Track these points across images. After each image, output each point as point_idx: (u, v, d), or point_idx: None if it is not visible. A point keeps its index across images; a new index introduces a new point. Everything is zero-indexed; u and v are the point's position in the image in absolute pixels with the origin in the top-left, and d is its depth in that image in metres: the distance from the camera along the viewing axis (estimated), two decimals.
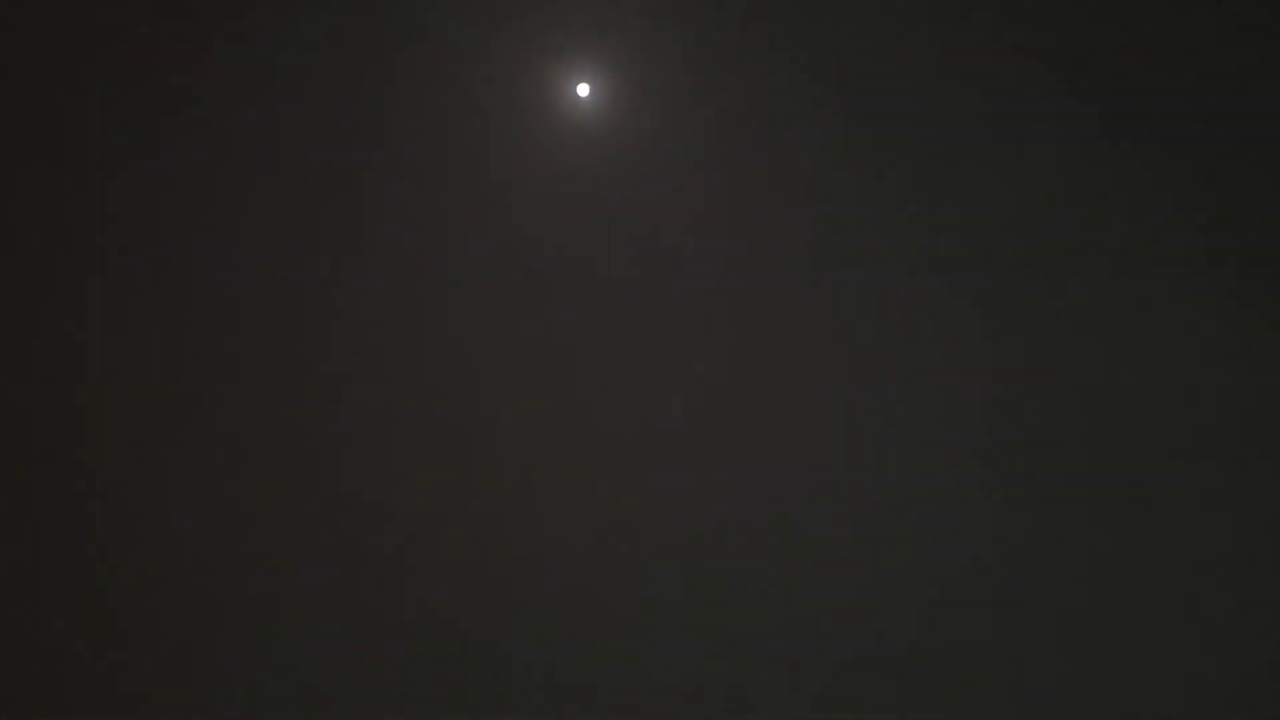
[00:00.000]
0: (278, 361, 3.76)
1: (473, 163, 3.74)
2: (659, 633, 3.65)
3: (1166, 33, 3.74)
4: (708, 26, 3.76)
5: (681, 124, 3.75)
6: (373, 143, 3.76)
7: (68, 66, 3.81)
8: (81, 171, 3.80)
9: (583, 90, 3.77)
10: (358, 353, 3.74)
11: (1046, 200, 3.74)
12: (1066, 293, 3.71)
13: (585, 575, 3.67)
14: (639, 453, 3.70)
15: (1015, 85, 3.76)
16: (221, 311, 3.76)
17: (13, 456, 3.72)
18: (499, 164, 3.74)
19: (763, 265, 3.72)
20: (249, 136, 3.77)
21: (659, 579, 3.67)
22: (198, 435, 3.73)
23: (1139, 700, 3.61)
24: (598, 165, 3.74)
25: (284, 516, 3.70)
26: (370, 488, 3.71)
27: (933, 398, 3.69)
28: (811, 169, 3.73)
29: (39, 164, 3.79)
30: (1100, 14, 3.75)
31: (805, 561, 3.66)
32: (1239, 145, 3.72)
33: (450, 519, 3.69)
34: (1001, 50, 3.76)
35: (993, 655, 3.63)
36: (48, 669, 3.67)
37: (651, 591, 3.66)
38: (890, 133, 3.73)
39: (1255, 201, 3.71)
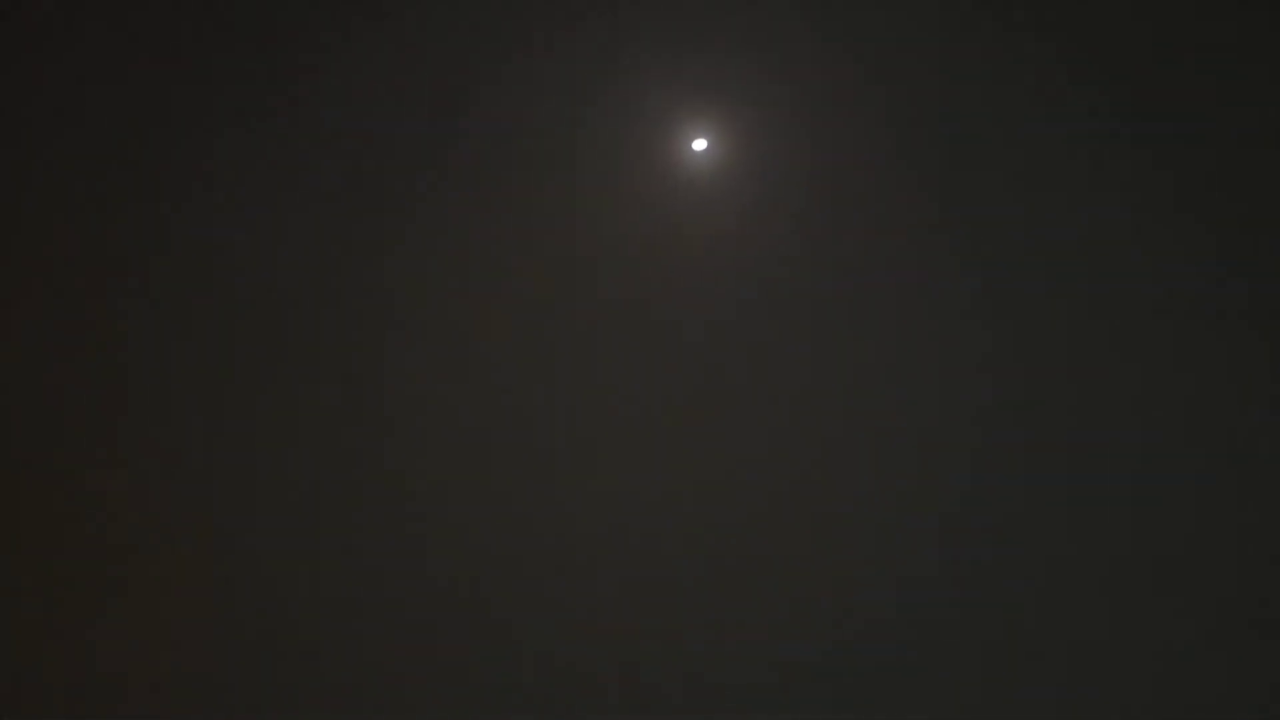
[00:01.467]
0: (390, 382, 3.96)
1: (589, 217, 3.94)
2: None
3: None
4: (823, 82, 3.94)
5: (796, 177, 3.92)
6: (486, 194, 3.95)
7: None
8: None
9: (699, 145, 3.96)
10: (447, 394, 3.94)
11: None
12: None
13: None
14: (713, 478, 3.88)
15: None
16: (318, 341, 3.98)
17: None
18: (615, 218, 3.94)
19: (874, 318, 3.88)
20: (352, 188, 3.99)
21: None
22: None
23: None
24: (713, 219, 3.93)
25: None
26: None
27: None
28: (925, 224, 3.88)
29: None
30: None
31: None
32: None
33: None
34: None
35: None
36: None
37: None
38: (1001, 182, 3.88)
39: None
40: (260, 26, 4.04)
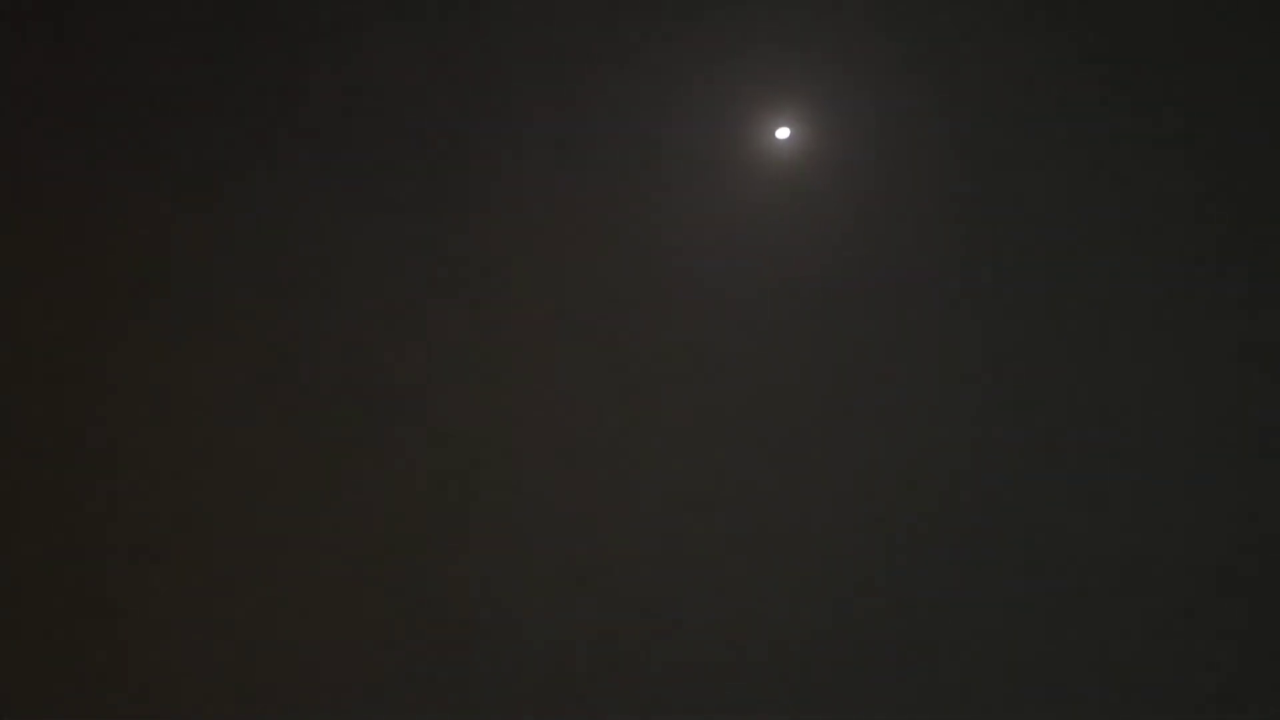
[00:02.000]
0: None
1: (673, 206, 3.93)
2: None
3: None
4: (906, 71, 3.92)
5: (880, 166, 3.90)
6: (573, 187, 3.93)
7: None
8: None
9: (782, 134, 3.94)
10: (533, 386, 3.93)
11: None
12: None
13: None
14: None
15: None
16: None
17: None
18: (699, 208, 3.92)
19: (961, 309, 3.85)
20: (454, 184, 3.97)
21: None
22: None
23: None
24: (797, 208, 3.91)
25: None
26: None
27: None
28: (1018, 213, 3.86)
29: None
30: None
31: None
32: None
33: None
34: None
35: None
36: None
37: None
38: (1086, 169, 3.85)
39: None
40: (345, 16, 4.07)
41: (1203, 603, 3.67)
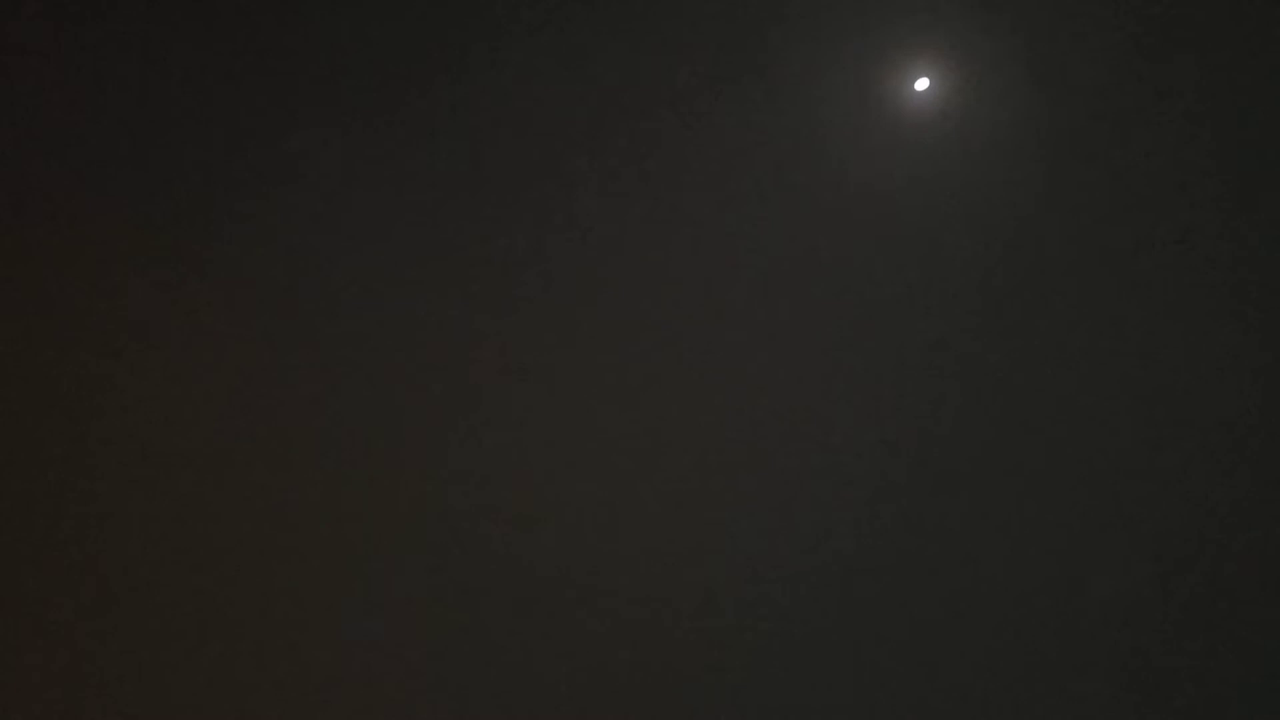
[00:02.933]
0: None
1: (812, 159, 3.78)
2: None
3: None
4: (1048, 19, 3.74)
5: (1021, 119, 3.73)
6: (711, 141, 3.81)
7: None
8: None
9: (921, 84, 3.76)
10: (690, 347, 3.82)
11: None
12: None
13: None
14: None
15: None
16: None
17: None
18: (838, 159, 3.77)
19: (1107, 262, 3.69)
20: (596, 134, 3.86)
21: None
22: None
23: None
24: (937, 160, 3.75)
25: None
26: None
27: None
28: (1156, 165, 3.69)
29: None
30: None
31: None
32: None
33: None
34: None
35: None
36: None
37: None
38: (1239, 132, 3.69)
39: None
40: None
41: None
